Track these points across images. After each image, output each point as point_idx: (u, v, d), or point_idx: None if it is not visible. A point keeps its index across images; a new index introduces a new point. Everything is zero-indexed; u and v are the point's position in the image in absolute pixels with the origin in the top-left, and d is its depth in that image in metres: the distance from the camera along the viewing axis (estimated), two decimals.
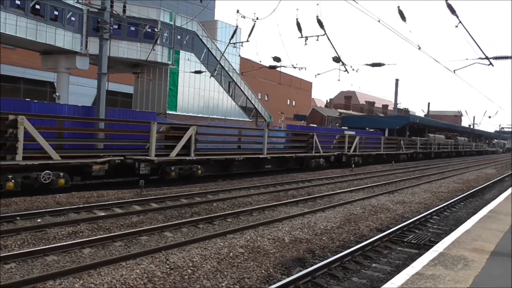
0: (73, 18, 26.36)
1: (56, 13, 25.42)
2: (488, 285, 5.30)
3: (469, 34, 13.86)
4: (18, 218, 9.82)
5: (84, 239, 8.41)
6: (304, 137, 26.22)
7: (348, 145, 30.02)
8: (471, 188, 20.88)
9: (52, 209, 10.78)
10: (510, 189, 16.50)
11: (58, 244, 7.99)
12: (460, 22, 12.94)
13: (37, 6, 24.62)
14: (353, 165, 28.80)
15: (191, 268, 7.14)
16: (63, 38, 25.65)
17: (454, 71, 17.87)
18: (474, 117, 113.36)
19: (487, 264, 6.05)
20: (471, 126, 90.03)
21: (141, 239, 8.92)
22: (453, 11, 12.73)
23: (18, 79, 33.03)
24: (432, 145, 49.87)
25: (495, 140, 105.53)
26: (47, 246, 7.81)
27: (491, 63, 15.41)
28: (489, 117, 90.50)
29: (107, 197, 13.13)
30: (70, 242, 8.12)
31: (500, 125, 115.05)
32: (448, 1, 12.46)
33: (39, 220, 9.94)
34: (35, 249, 7.63)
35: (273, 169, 22.83)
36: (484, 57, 15.25)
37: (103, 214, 10.85)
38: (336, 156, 28.60)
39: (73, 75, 29.24)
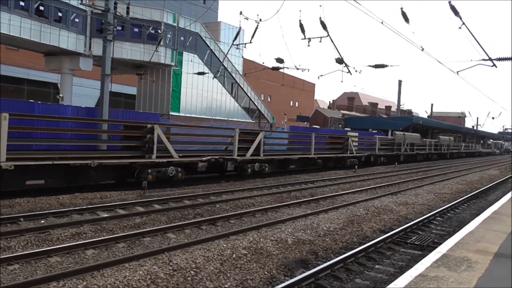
0: (77, 20, 26.45)
1: (60, 14, 25.51)
2: (492, 287, 5.28)
3: (472, 35, 13.83)
4: (22, 219, 9.86)
5: (87, 241, 8.43)
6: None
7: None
8: (474, 190, 20.81)
9: (55, 210, 10.81)
10: None
11: (62, 245, 8.02)
12: (463, 23, 12.92)
13: (41, 8, 24.72)
14: (356, 166, 28.76)
15: (194, 269, 7.15)
16: (67, 40, 25.74)
17: (457, 72, 17.84)
18: (477, 118, 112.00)
19: (490, 266, 6.03)
20: (475, 127, 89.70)
21: (144, 240, 8.93)
22: (456, 12, 12.70)
23: (22, 80, 33.16)
24: (402, 145, 39.99)
25: (491, 140, 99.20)
26: (51, 247, 7.84)
27: (494, 65, 15.36)
28: (493, 118, 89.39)
29: (110, 198, 13.16)
30: (73, 244, 8.14)
31: (503, 126, 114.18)
32: (451, 3, 12.45)
33: (42, 221, 9.97)
34: (39, 250, 7.65)
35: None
36: (488, 58, 15.21)
37: (106, 215, 10.88)
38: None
39: (77, 76, 29.33)
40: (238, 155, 19.40)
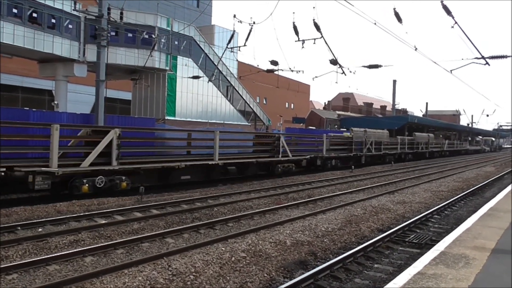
0: (70, 26, 26.42)
1: (53, 21, 25.48)
2: (490, 283, 5.31)
3: (465, 34, 13.93)
4: (19, 228, 9.81)
5: (85, 248, 8.40)
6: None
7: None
8: (471, 187, 20.90)
9: (53, 218, 10.77)
10: (509, 186, 16.52)
11: (60, 253, 7.98)
12: (456, 22, 13.00)
13: (35, 15, 24.68)
14: (353, 166, 28.82)
15: (194, 273, 7.15)
16: (60, 46, 25.71)
17: (451, 71, 17.94)
18: (472, 115, 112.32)
19: (488, 262, 6.07)
20: (470, 125, 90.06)
21: (143, 246, 8.92)
22: (448, 12, 12.78)
23: (16, 88, 33.07)
24: (364, 145, 33.21)
25: (479, 137, 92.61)
26: (49, 256, 7.80)
27: (487, 63, 15.46)
28: (487, 115, 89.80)
29: (107, 204, 13.13)
30: (71, 251, 8.11)
31: (498, 123, 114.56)
32: (444, 2, 12.52)
33: (40, 230, 9.93)
34: (37, 259, 7.62)
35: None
36: (481, 56, 15.30)
37: (104, 221, 10.85)
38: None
39: (71, 82, 29.27)
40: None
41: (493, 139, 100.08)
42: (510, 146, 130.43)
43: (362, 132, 34.32)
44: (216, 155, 18.57)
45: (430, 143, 50.61)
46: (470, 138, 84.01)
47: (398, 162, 38.82)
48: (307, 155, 25.74)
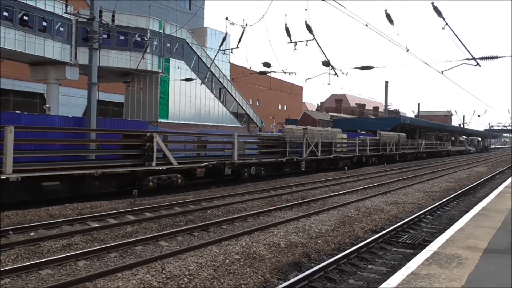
0: (61, 29, 26.28)
1: (44, 24, 25.33)
2: (482, 282, 5.35)
3: (456, 35, 14.03)
4: (11, 232, 9.74)
5: (78, 251, 8.35)
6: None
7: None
8: (463, 187, 21.05)
9: (45, 222, 10.70)
10: (501, 186, 16.66)
11: (53, 258, 7.93)
12: (446, 24, 13.10)
13: (26, 18, 24.52)
14: (346, 167, 28.90)
15: (188, 276, 7.13)
16: (52, 49, 25.56)
17: (442, 72, 18.06)
18: (463, 116, 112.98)
19: (480, 262, 6.11)
20: (461, 125, 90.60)
21: (136, 249, 8.88)
22: (439, 13, 12.88)
23: (7, 91, 32.79)
24: (305, 147, 26.37)
25: (464, 136, 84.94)
26: (41, 260, 7.75)
27: (478, 64, 15.60)
28: (478, 116, 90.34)
29: (100, 208, 13.06)
30: (64, 255, 8.06)
31: (489, 124, 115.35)
32: (434, 4, 12.62)
33: (32, 234, 9.86)
34: (29, 263, 7.56)
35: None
36: (471, 57, 15.44)
37: (97, 225, 10.79)
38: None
39: (63, 85, 29.11)
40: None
41: (479, 139, 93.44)
42: (500, 146, 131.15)
43: (300, 131, 26.77)
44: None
45: (402, 143, 43.24)
46: (453, 138, 78.18)
47: (359, 167, 32.44)
48: (214, 160, 19.31)
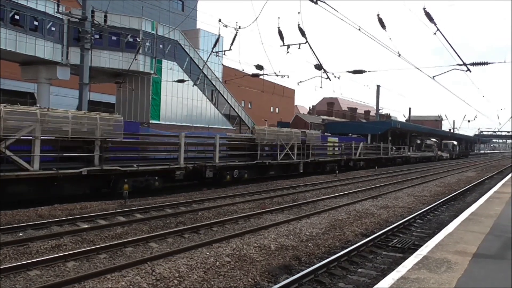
0: (53, 28, 26.07)
1: (36, 23, 25.11)
2: (471, 287, 5.39)
3: (447, 41, 14.15)
4: None
5: (67, 252, 8.29)
6: None
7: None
8: (452, 192, 21.21)
9: (34, 223, 10.60)
10: (490, 191, 16.81)
11: (41, 258, 7.86)
12: (438, 29, 13.21)
13: (17, 17, 24.30)
14: (337, 171, 28.99)
15: (178, 278, 7.10)
16: (43, 49, 25.34)
17: (433, 77, 18.19)
18: (454, 121, 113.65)
19: (469, 266, 6.16)
20: (451, 130, 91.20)
21: (126, 251, 8.83)
22: (431, 18, 12.98)
23: None
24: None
25: (432, 139, 68.82)
26: (30, 261, 7.68)
27: (468, 69, 15.75)
28: (468, 121, 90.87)
29: (90, 208, 12.97)
30: (53, 256, 7.99)
31: (479, 129, 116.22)
32: (426, 9, 12.73)
33: (20, 234, 9.77)
34: (17, 264, 7.49)
35: None
36: (462, 63, 15.58)
37: (86, 226, 10.72)
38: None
39: (54, 85, 28.85)
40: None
41: (455, 142, 76.46)
42: (489, 151, 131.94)
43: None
44: None
45: (313, 146, 28.35)
46: (419, 141, 64.54)
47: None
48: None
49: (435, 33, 13.47)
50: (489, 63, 15.86)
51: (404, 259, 7.49)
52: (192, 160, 18.80)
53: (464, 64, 15.69)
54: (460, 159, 75.02)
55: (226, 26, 19.96)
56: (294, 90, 72.65)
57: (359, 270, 8.40)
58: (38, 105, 24.93)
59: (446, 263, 6.29)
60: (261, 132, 23.36)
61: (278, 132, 24.73)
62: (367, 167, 37.43)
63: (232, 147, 22.71)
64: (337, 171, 28.75)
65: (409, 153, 53.24)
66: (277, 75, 24.56)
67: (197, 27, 47.47)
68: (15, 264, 7.49)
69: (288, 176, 25.40)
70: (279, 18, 22.59)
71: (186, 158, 18.31)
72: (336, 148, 33.50)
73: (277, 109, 66.37)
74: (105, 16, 23.82)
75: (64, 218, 11.25)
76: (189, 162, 18.37)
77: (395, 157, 47.09)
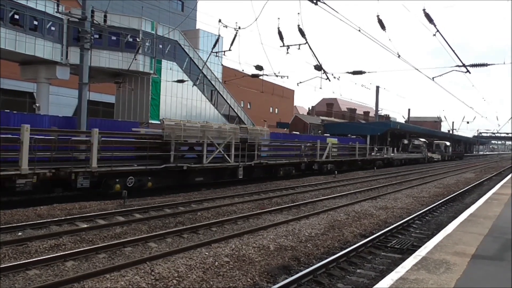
0: (53, 28, 26.06)
1: (35, 23, 25.10)
2: None
3: (447, 42, 14.14)
4: None
5: (66, 252, 8.29)
6: None
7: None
8: (451, 193, 21.23)
9: (33, 222, 10.60)
10: (489, 193, 16.82)
11: (40, 258, 7.86)
12: (437, 30, 13.21)
13: (16, 16, 24.28)
14: (336, 171, 28.99)
15: (177, 278, 7.10)
16: (43, 48, 25.33)
17: (433, 78, 18.19)
18: (453, 122, 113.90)
19: (468, 267, 6.16)
20: (450, 131, 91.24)
21: (125, 251, 8.83)
22: (430, 20, 12.98)
23: None
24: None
25: (421, 139, 61.35)
26: (29, 260, 7.68)
27: (468, 71, 15.75)
28: (467, 122, 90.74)
29: (89, 208, 12.97)
30: (52, 255, 7.99)
31: (478, 130, 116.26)
32: (426, 10, 12.73)
33: (19, 234, 9.76)
34: (16, 263, 7.49)
35: None
36: (461, 64, 15.58)
37: (85, 226, 10.72)
38: None
39: (54, 85, 28.84)
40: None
41: (447, 143, 71.21)
42: (488, 152, 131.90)
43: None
44: None
45: (260, 146, 24.23)
46: (406, 141, 58.13)
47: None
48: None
49: (434, 35, 13.47)
50: (489, 65, 15.85)
51: (403, 260, 7.49)
52: (48, 163, 13.77)
53: (464, 65, 15.69)
54: (454, 160, 71.88)
55: (226, 26, 19.94)
56: (293, 90, 72.63)
57: (358, 270, 8.41)
58: (37, 105, 24.97)
59: (445, 264, 6.30)
60: (174, 127, 18.02)
61: (205, 128, 19.58)
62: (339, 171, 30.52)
63: (138, 146, 17.61)
64: (336, 172, 28.76)
65: (392, 154, 47.99)
66: (277, 76, 24.58)
67: (197, 27, 47.46)
68: (14, 263, 7.49)
69: (224, 184, 20.76)
70: (279, 18, 22.61)
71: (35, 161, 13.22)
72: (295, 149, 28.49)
73: (276, 109, 66.36)
74: (105, 16, 23.76)
75: (63, 218, 11.25)
76: (41, 167, 13.35)
77: (374, 159, 41.04)
